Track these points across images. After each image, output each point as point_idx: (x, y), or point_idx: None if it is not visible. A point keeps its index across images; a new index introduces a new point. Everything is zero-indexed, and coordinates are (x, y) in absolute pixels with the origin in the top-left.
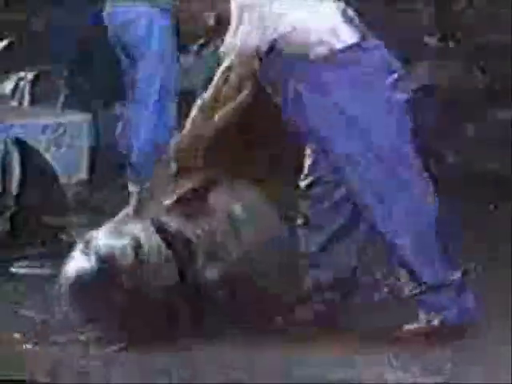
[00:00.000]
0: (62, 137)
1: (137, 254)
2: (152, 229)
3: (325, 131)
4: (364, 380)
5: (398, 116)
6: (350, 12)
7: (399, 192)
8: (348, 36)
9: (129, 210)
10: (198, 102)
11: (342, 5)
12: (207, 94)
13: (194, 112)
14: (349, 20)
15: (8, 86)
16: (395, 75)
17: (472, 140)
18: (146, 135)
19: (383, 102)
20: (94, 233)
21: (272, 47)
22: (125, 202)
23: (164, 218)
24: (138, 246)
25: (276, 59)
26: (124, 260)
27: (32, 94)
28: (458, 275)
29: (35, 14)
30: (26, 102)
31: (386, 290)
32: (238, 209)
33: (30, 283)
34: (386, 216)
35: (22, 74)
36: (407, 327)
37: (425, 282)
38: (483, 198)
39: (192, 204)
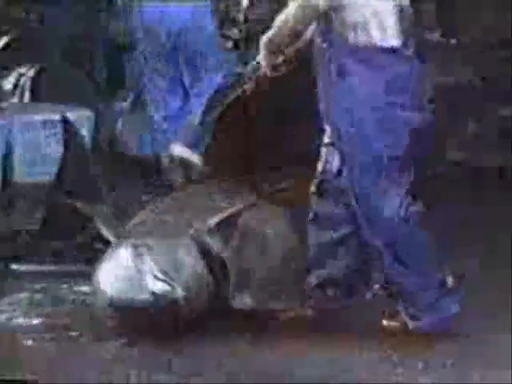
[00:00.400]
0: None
1: (187, 298)
2: (196, 252)
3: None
4: (364, 380)
5: (398, 132)
6: (407, 12)
7: (378, 198)
8: (392, 37)
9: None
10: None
11: (406, 2)
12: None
13: (290, 5)
14: (401, 20)
15: (9, 82)
16: (415, 98)
17: (473, 136)
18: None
19: (389, 116)
20: (143, 241)
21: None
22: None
23: (206, 239)
24: (189, 291)
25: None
26: (176, 303)
27: (32, 91)
28: (439, 282)
29: (34, 10)
30: (26, 99)
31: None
32: (269, 233)
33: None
34: (365, 218)
35: (22, 70)
36: (384, 322)
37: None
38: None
39: (230, 228)
